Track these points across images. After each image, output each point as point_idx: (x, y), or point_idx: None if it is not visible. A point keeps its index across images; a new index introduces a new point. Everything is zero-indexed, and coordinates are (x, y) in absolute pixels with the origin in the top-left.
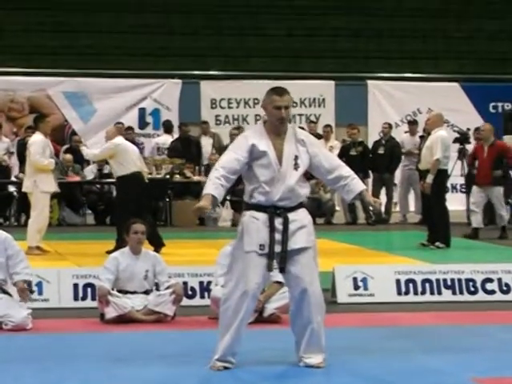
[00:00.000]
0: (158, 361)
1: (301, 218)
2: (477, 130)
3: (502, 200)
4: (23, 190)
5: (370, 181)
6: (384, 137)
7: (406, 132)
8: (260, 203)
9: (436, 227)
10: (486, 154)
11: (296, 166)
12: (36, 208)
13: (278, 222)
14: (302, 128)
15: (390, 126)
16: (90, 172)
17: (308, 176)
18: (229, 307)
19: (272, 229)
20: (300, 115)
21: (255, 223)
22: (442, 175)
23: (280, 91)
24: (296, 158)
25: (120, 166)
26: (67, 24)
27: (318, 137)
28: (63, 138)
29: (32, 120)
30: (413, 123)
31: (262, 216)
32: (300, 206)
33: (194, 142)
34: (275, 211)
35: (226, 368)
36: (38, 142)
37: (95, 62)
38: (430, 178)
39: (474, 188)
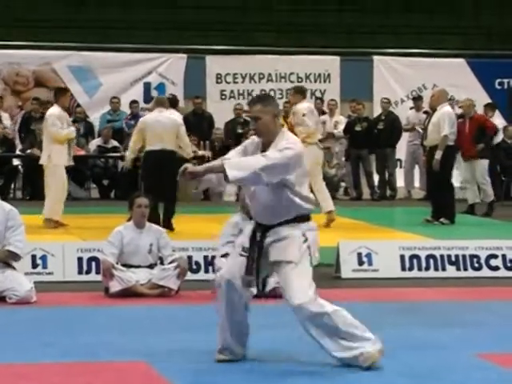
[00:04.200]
0: (162, 334)
1: (282, 232)
2: (487, 105)
3: (486, 174)
4: (40, 162)
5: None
6: (383, 112)
7: (411, 108)
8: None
9: (441, 203)
10: (468, 128)
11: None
12: (51, 182)
13: (258, 235)
14: None
15: (389, 101)
16: (94, 146)
17: None
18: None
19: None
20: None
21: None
22: (448, 151)
23: (251, 101)
24: None
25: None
26: None
27: (322, 113)
28: (68, 111)
29: (37, 93)
30: (418, 99)
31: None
32: (287, 222)
33: (206, 116)
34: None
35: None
36: (55, 114)
37: (101, 35)
38: (438, 155)
39: (463, 164)
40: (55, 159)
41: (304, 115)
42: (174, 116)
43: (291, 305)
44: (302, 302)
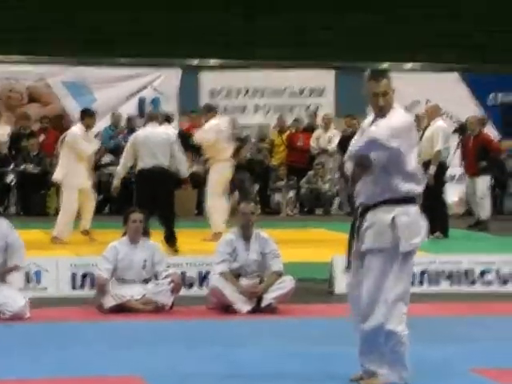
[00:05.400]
0: (156, 350)
1: (374, 216)
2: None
3: (486, 190)
4: (54, 179)
5: None
6: None
7: None
8: None
9: (435, 218)
10: (472, 145)
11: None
12: (65, 201)
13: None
14: (301, 119)
15: None
16: None
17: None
18: None
19: (352, 227)
20: (299, 105)
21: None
22: (440, 166)
23: (376, 76)
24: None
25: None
26: (67, 13)
27: (314, 128)
28: (62, 127)
29: (30, 109)
30: None
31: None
32: (383, 203)
33: None
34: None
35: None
36: (78, 133)
37: (94, 51)
38: (432, 170)
39: (467, 179)
40: (71, 180)
41: (212, 130)
42: (168, 132)
43: (363, 310)
44: (375, 320)
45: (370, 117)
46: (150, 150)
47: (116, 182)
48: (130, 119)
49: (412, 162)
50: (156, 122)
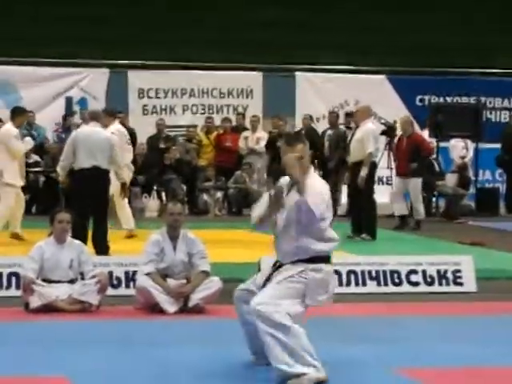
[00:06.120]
0: (83, 350)
1: (287, 267)
2: None
3: (419, 193)
4: None
5: None
6: (303, 128)
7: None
8: None
9: (363, 219)
10: (405, 146)
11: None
12: (2, 200)
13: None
14: (229, 119)
15: (311, 118)
16: None
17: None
18: None
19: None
20: (227, 106)
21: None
22: (371, 167)
23: (290, 141)
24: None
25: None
26: None
27: (244, 129)
28: None
29: None
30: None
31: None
32: (297, 262)
33: (128, 132)
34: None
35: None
36: (12, 132)
37: (21, 49)
38: (364, 171)
39: (396, 178)
40: (7, 178)
41: (112, 133)
42: (108, 133)
43: (251, 306)
44: (262, 307)
45: (283, 179)
46: (90, 150)
47: (62, 178)
48: (65, 117)
49: (327, 224)
50: (98, 122)
